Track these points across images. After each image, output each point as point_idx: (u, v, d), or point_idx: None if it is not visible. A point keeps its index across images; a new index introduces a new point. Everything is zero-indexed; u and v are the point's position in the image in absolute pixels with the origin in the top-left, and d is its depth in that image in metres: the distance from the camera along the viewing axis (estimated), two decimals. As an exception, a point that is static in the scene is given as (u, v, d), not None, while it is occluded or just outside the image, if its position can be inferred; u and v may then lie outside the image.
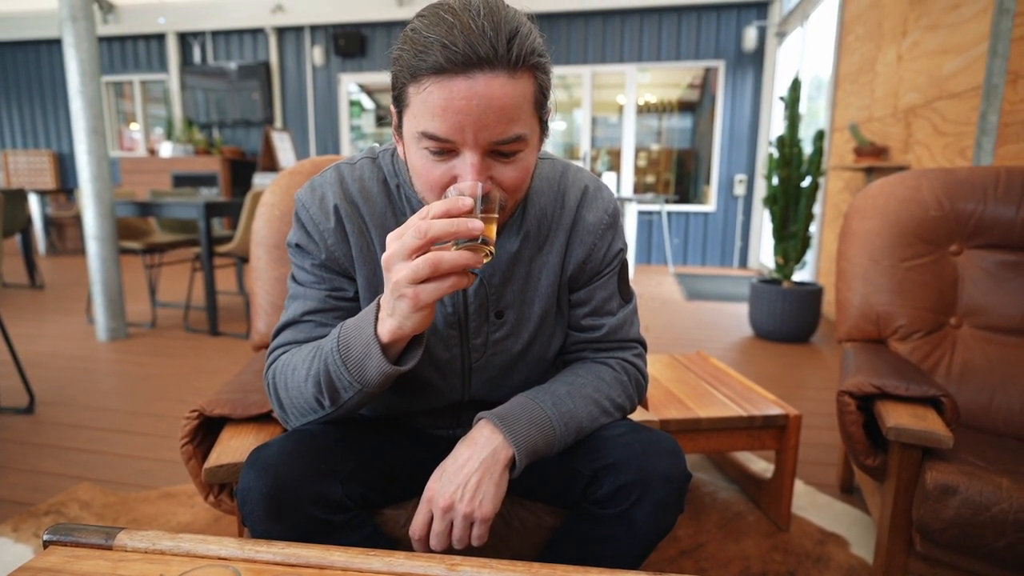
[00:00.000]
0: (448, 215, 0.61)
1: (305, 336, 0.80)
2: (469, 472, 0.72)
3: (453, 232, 0.60)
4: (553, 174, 0.85)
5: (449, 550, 0.74)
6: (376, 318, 0.68)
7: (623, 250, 0.88)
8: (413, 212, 0.81)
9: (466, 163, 0.65)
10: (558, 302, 0.86)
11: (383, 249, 0.80)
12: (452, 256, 0.61)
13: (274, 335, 0.84)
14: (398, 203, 0.82)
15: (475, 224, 0.60)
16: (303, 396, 0.75)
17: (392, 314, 0.66)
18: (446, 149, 0.66)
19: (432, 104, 0.63)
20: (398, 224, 0.81)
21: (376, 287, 0.81)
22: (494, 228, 0.66)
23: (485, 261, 0.64)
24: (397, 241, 0.63)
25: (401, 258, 0.63)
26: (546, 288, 0.84)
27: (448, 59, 0.61)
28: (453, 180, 0.67)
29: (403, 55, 0.65)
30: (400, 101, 0.68)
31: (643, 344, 0.92)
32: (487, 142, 0.65)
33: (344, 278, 0.82)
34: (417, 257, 0.62)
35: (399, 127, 0.72)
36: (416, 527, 0.74)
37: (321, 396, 0.73)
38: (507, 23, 0.62)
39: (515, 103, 0.64)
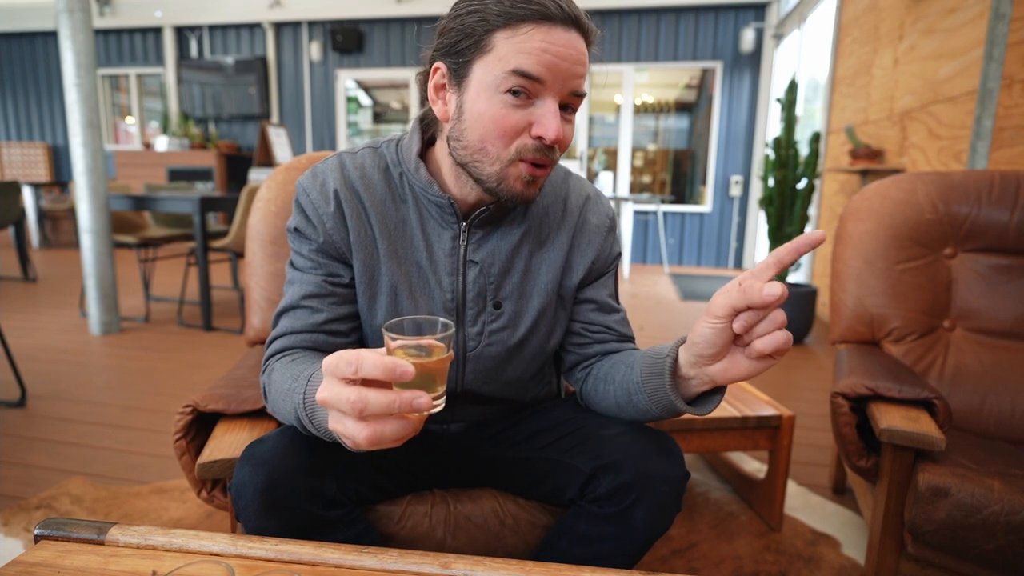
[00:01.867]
0: (388, 379, 0.53)
1: (302, 324, 0.81)
2: None
3: (395, 412, 0.54)
4: (556, 177, 0.90)
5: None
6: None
7: (620, 254, 0.93)
8: (415, 200, 0.82)
9: (548, 108, 0.71)
10: (559, 299, 0.87)
11: (383, 235, 0.81)
12: (392, 433, 0.55)
13: (274, 322, 0.84)
14: (398, 191, 0.83)
15: (423, 402, 0.53)
16: (287, 419, 0.75)
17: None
18: (530, 93, 0.70)
19: (531, 46, 0.68)
20: (397, 211, 0.82)
21: (373, 272, 0.82)
22: (447, 368, 0.60)
23: (436, 410, 0.58)
24: (332, 384, 0.56)
25: (334, 409, 0.56)
26: (546, 284, 0.85)
27: (556, 10, 0.68)
28: (526, 128, 0.72)
29: (488, 6, 0.69)
30: (472, 50, 0.71)
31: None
32: (569, 91, 0.72)
33: (340, 263, 0.82)
34: (349, 420, 0.56)
35: (455, 80, 0.73)
36: None
37: (300, 426, 0.72)
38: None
39: (587, 66, 0.73)
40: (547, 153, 0.73)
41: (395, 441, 0.56)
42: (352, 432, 0.55)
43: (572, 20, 0.69)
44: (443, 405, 0.60)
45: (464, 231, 0.81)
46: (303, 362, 0.75)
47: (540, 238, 0.85)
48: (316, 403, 0.66)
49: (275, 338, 0.82)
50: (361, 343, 0.86)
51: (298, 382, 0.70)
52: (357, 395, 0.53)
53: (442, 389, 0.60)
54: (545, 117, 0.70)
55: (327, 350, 0.81)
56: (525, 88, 0.69)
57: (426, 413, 0.56)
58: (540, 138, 0.71)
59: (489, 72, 0.70)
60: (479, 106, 0.71)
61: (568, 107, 0.74)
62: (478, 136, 0.73)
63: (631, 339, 0.92)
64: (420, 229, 0.82)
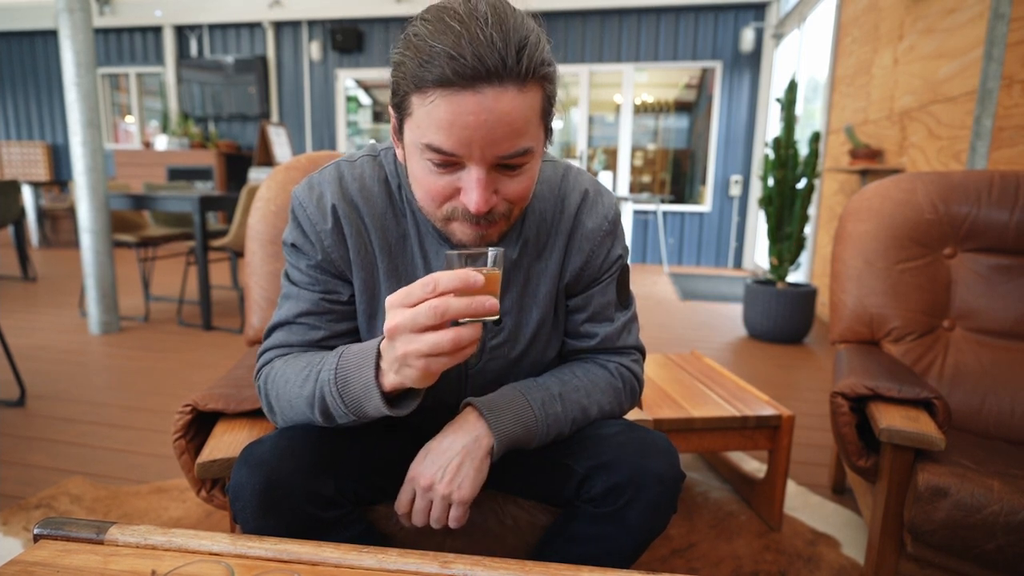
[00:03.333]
0: (462, 291, 0.58)
1: (298, 339, 0.80)
2: (451, 455, 0.73)
3: (471, 313, 0.58)
4: (554, 177, 0.84)
5: (430, 530, 0.74)
6: (377, 366, 0.66)
7: (622, 256, 0.87)
8: (413, 215, 0.80)
9: (472, 178, 0.65)
10: (555, 309, 0.86)
11: (383, 252, 0.79)
12: (468, 335, 0.59)
13: (266, 334, 0.83)
14: (399, 204, 0.80)
15: (492, 304, 0.59)
16: (294, 409, 0.75)
17: (397, 373, 0.63)
18: (451, 162, 0.65)
19: (438, 118, 0.61)
20: (398, 225, 0.80)
21: (373, 289, 0.80)
22: (499, 286, 0.64)
23: (495, 318, 0.63)
24: (404, 311, 0.60)
25: (411, 331, 0.59)
26: (544, 295, 0.83)
27: (455, 72, 0.58)
28: (456, 192, 0.67)
29: (406, 62, 0.62)
30: (401, 108, 0.66)
31: (642, 351, 0.91)
32: (494, 157, 0.64)
33: (339, 280, 0.81)
34: (429, 333, 0.59)
35: (399, 131, 0.70)
36: (400, 503, 0.76)
37: (313, 414, 0.73)
38: (516, 32, 0.60)
39: (524, 116, 0.62)
40: (477, 220, 0.68)
41: (471, 344, 0.60)
42: (433, 343, 0.58)
43: (484, 76, 0.58)
44: (499, 318, 0.64)
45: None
46: (312, 355, 0.75)
47: (538, 248, 0.82)
48: (350, 376, 0.68)
49: (268, 349, 0.81)
50: None
51: (326, 361, 0.71)
52: (439, 300, 0.58)
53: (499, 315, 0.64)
54: (468, 187, 0.65)
55: None
56: (443, 160, 0.64)
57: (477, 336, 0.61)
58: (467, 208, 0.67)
59: (412, 136, 0.66)
60: (412, 167, 0.69)
61: (509, 167, 0.66)
62: (418, 196, 0.71)
63: (621, 350, 0.87)
64: (419, 245, 0.80)
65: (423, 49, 0.60)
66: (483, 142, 0.62)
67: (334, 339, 0.81)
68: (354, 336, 0.83)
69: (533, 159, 0.68)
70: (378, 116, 7.78)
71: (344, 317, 0.81)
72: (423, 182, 0.68)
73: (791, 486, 1.80)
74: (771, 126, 6.00)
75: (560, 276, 0.84)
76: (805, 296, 3.34)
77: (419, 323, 0.58)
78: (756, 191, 6.19)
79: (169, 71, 7.26)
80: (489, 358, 0.83)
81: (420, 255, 0.80)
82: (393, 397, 0.68)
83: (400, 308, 0.60)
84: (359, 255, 0.79)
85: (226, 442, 0.86)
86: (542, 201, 0.82)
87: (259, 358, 0.82)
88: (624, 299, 0.88)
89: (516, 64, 0.59)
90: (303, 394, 0.72)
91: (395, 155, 0.82)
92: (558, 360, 0.91)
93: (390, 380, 0.65)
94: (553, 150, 7.07)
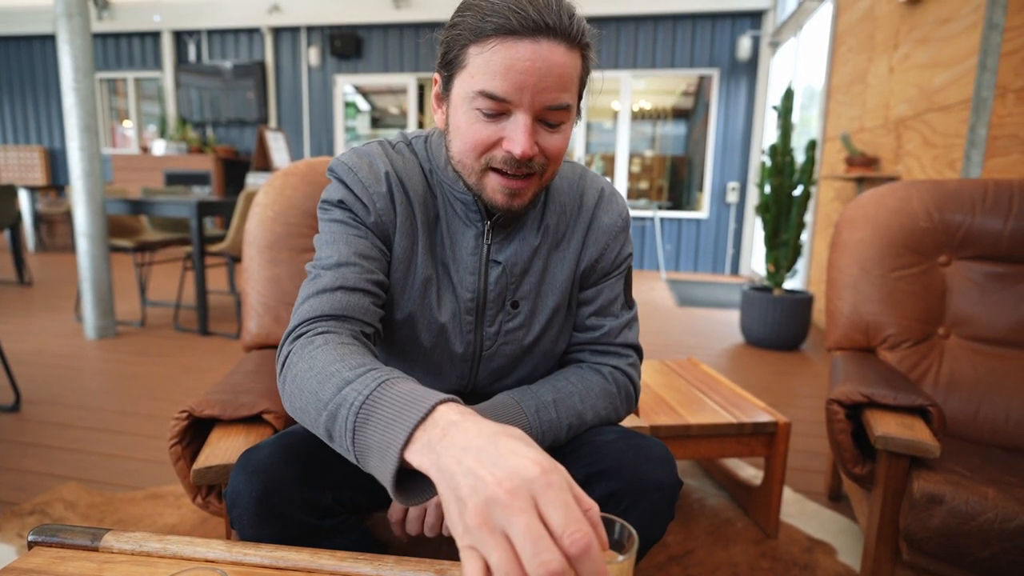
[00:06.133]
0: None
1: (352, 282, 0.73)
2: None
3: None
4: (573, 175, 0.89)
5: (425, 538, 0.74)
6: (412, 433, 0.50)
7: (631, 255, 0.91)
8: (444, 197, 0.82)
9: (518, 123, 0.69)
10: (569, 300, 0.88)
11: (423, 226, 0.81)
12: None
13: (314, 276, 0.75)
14: (433, 186, 0.84)
15: None
16: (303, 401, 0.63)
17: (431, 459, 0.48)
18: (499, 111, 0.69)
19: (496, 63, 0.66)
20: (435, 205, 0.82)
21: (410, 260, 0.81)
22: None
23: None
24: (526, 503, 0.41)
25: (503, 511, 0.41)
26: (560, 284, 0.86)
27: (519, 22, 0.64)
28: (498, 142, 0.70)
29: (466, 19, 0.68)
30: (453, 64, 0.70)
31: (639, 352, 0.92)
32: (541, 106, 0.68)
33: (383, 242, 0.79)
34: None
35: (444, 92, 0.74)
36: (394, 511, 0.76)
37: (316, 423, 0.61)
38: (566, 3, 0.68)
39: (569, 73, 0.69)
40: (518, 166, 0.71)
41: None
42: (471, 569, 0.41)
43: (543, 29, 0.65)
44: None
45: (488, 230, 0.81)
46: (359, 354, 0.64)
47: (557, 237, 0.86)
48: (375, 413, 0.54)
49: (322, 292, 0.72)
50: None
51: (364, 375, 0.58)
52: (551, 555, 0.39)
53: None
54: (514, 132, 0.69)
55: (366, 329, 0.73)
56: (493, 107, 0.68)
57: None
58: (510, 152, 0.70)
59: (464, 88, 0.70)
60: (457, 119, 0.72)
61: (549, 120, 0.70)
62: (457, 148, 0.74)
63: (619, 349, 0.88)
64: (447, 226, 0.83)
65: (484, 7, 0.66)
66: (534, 89, 0.67)
67: (382, 288, 0.77)
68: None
69: (570, 118, 0.73)
70: (376, 122, 7.80)
71: (387, 272, 0.80)
72: (467, 131, 0.71)
73: (787, 493, 1.80)
74: (768, 133, 6.03)
75: (576, 266, 0.87)
76: (801, 303, 3.35)
77: (514, 538, 0.40)
78: (753, 198, 6.21)
79: (167, 76, 7.27)
80: (503, 342, 0.84)
81: (448, 235, 0.83)
82: (406, 473, 0.53)
83: (524, 496, 0.41)
84: (405, 224, 0.80)
85: (222, 448, 0.85)
86: (562, 194, 0.87)
87: (302, 305, 0.72)
88: (629, 298, 0.92)
89: (569, 25, 0.67)
90: (318, 392, 0.60)
91: (426, 142, 0.85)
92: (560, 357, 0.92)
93: (417, 460, 0.49)
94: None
